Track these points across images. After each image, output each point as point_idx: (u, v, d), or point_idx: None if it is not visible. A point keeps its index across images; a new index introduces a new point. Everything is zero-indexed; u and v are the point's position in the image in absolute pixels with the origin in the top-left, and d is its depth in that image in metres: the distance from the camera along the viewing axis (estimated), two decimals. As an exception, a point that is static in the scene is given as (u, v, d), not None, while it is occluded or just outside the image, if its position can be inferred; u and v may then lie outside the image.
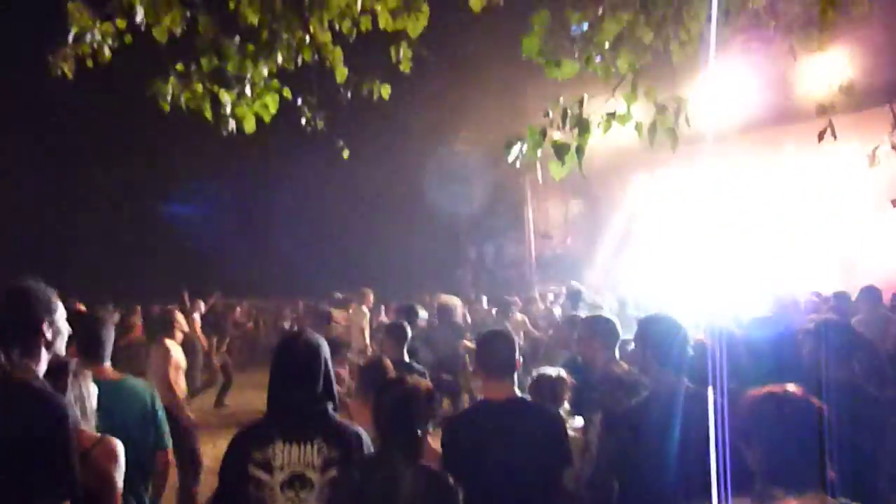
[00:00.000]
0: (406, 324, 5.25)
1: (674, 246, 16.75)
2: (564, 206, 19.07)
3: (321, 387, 2.54)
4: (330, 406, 2.55)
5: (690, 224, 16.55)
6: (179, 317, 6.25)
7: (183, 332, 6.23)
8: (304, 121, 4.41)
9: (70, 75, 3.74)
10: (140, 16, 3.61)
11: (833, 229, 13.00)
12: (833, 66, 6.48)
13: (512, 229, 19.09)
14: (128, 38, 3.68)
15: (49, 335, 2.14)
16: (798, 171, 13.23)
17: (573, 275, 17.77)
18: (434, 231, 19.96)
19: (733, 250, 13.97)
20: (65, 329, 2.22)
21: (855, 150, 8.08)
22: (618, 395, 3.42)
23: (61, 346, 2.22)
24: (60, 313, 2.21)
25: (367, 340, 9.27)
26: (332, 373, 2.63)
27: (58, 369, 2.27)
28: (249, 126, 4.14)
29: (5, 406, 1.91)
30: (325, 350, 2.61)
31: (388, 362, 3.85)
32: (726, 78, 8.52)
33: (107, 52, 3.71)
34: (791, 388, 2.07)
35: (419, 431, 2.45)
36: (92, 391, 2.54)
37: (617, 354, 3.93)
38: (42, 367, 2.14)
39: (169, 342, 5.92)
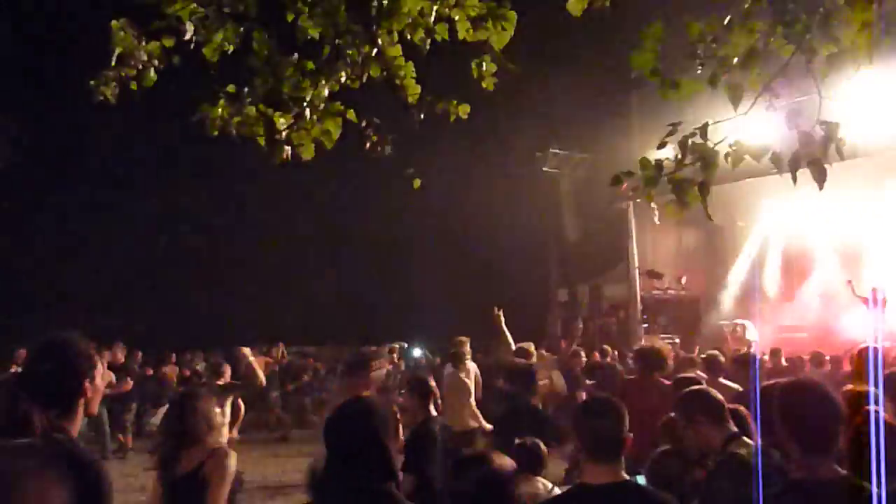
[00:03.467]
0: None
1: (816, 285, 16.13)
2: (677, 237, 18.69)
3: (376, 463, 2.59)
4: (391, 486, 2.60)
5: (835, 259, 15.90)
6: None
7: None
8: (368, 145, 4.57)
9: (113, 100, 4.04)
10: (189, 33, 3.87)
11: None
12: None
13: (611, 266, 18.79)
14: (175, 59, 3.95)
15: (90, 394, 2.29)
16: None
17: (689, 322, 17.33)
18: (515, 269, 19.89)
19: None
20: (101, 387, 2.39)
21: None
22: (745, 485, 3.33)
23: (95, 407, 2.37)
24: (100, 370, 2.36)
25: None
26: (388, 445, 2.69)
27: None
28: (308, 153, 4.32)
29: (56, 473, 2.05)
30: (378, 418, 2.67)
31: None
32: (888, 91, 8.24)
33: (152, 73, 3.99)
34: None
35: None
36: None
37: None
38: (76, 428, 2.28)
39: None
